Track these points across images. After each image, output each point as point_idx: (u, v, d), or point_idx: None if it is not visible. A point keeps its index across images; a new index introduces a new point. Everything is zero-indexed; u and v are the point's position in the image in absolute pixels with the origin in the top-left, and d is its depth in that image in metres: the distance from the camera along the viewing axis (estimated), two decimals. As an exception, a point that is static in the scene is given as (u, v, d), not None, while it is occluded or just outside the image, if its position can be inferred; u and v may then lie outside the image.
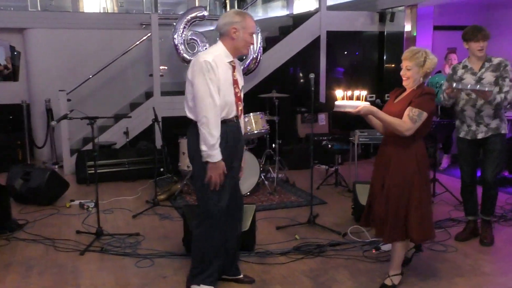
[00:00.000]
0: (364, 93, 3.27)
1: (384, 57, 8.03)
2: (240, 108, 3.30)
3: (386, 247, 4.11)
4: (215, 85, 3.06)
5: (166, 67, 7.77)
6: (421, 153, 3.36)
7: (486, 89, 3.78)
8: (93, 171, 5.42)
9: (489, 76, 4.07)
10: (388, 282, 3.47)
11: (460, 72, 4.23)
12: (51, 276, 3.73)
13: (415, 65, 3.28)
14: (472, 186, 4.32)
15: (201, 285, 3.34)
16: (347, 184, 5.92)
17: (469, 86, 3.83)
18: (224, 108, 3.16)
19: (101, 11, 9.11)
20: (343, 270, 3.77)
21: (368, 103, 3.25)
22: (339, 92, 3.30)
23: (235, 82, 3.23)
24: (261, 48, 6.98)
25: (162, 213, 5.15)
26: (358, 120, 7.79)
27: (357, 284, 3.57)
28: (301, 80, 7.85)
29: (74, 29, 7.71)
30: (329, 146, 5.94)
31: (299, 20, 7.99)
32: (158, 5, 10.54)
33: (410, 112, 3.23)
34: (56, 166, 7.19)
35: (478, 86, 3.85)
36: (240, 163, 3.43)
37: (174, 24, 6.96)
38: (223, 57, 3.16)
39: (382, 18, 7.93)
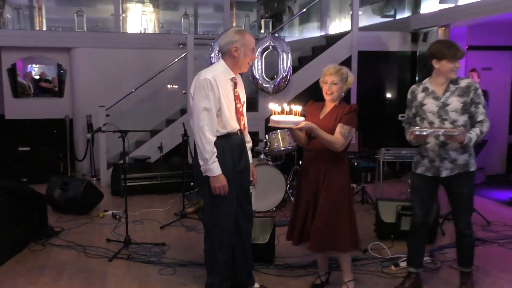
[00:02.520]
0: (299, 108, 3.32)
1: (417, 77, 8.03)
2: (242, 122, 3.45)
3: (405, 263, 4.14)
4: (212, 102, 3.21)
5: (176, 86, 8.13)
6: (348, 166, 3.57)
7: (456, 133, 3.22)
8: (126, 184, 5.67)
9: (455, 102, 3.39)
10: None
11: (420, 96, 3.53)
12: (80, 279, 3.96)
13: (340, 80, 3.44)
14: (422, 232, 3.65)
15: None
16: (373, 201, 5.95)
17: (431, 131, 3.30)
18: (226, 123, 3.32)
19: (142, 31, 9.53)
20: (359, 285, 3.81)
21: (302, 118, 3.31)
22: (274, 106, 3.29)
23: (236, 98, 3.38)
24: (291, 68, 7.15)
25: (189, 225, 5.33)
26: (386, 139, 7.80)
27: (371, 298, 3.62)
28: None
29: (117, 49, 8.12)
30: (356, 164, 5.99)
31: (332, 40, 8.11)
32: (199, 26, 10.96)
33: (341, 129, 3.37)
34: (94, 179, 7.53)
35: (443, 131, 3.28)
36: (248, 174, 3.57)
37: (211, 44, 7.23)
38: (224, 75, 3.32)
39: (414, 38, 7.95)
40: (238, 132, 3.43)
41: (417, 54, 8.01)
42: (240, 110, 3.43)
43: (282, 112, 3.29)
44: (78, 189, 5.68)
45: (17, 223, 4.54)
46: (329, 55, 7.62)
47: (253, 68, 7.11)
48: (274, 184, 5.76)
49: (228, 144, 3.34)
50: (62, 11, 10.07)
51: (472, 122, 3.42)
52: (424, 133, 3.31)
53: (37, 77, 8.31)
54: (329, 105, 3.54)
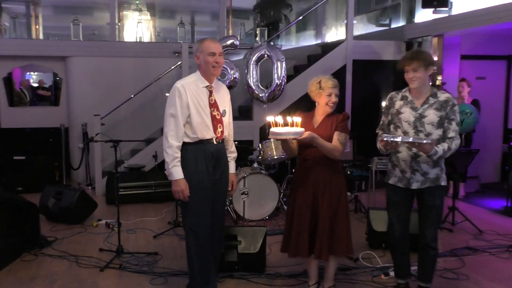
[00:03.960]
0: (299, 119, 3.35)
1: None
2: (220, 129, 3.48)
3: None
4: (179, 108, 3.33)
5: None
6: (344, 173, 3.69)
7: (424, 141, 3.19)
8: (121, 192, 5.69)
9: (432, 115, 3.38)
10: None
11: (398, 104, 3.52)
12: (70, 289, 3.97)
13: (338, 91, 3.57)
14: (403, 244, 3.65)
15: None
16: (366, 210, 5.96)
17: (400, 138, 3.24)
18: (196, 129, 3.39)
19: (138, 40, 9.56)
20: (349, 295, 3.83)
21: (303, 129, 3.32)
22: (273, 118, 3.30)
23: (212, 105, 3.44)
24: (285, 76, 7.18)
25: (182, 234, 5.31)
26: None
27: (361, 308, 3.63)
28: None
29: (113, 57, 8.15)
30: (349, 172, 6.00)
31: (327, 49, 8.14)
32: (195, 34, 11.00)
33: (338, 137, 3.47)
34: (90, 187, 7.54)
35: (411, 138, 3.24)
36: (225, 184, 3.61)
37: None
38: (197, 83, 3.43)
39: (409, 47, 7.97)
40: (214, 140, 3.47)
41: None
42: (218, 117, 3.47)
43: (285, 124, 3.31)
44: (72, 198, 5.68)
45: (9, 233, 4.54)
46: (324, 64, 7.65)
47: (248, 76, 7.14)
48: (267, 193, 5.78)
49: (200, 151, 3.40)
50: (59, 19, 10.12)
51: (444, 137, 3.40)
52: (395, 139, 3.24)
53: (35, 84, 8.33)
54: (320, 115, 3.60)
